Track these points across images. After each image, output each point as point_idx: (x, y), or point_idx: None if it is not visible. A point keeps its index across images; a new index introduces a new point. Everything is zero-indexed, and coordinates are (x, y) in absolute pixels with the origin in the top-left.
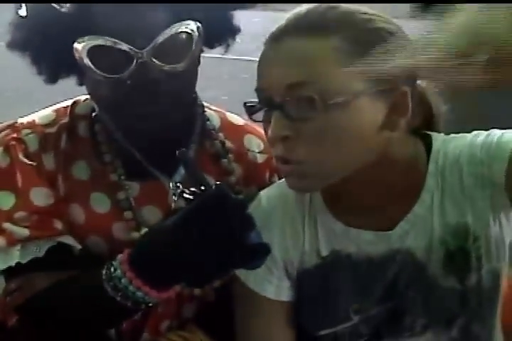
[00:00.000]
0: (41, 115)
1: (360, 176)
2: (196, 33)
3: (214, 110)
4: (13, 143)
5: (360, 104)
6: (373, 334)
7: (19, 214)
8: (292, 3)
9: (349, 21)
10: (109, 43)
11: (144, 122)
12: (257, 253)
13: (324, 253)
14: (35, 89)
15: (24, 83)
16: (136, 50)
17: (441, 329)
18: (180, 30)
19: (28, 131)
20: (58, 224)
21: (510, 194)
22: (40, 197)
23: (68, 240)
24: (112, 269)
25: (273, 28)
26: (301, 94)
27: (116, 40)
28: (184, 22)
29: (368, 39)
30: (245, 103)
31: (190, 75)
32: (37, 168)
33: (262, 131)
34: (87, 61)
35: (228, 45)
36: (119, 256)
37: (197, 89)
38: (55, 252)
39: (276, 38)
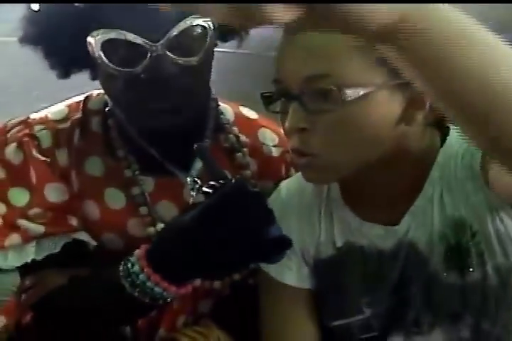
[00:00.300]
0: (54, 110)
1: (373, 167)
2: (211, 26)
3: (228, 104)
4: (26, 139)
5: (379, 98)
6: (382, 329)
7: (34, 211)
8: (292, 3)
9: None
10: (122, 37)
11: (157, 117)
12: (279, 247)
13: (339, 244)
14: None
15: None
16: (151, 43)
17: (449, 328)
18: (195, 22)
19: (40, 126)
20: (73, 221)
21: (487, 184)
22: (55, 193)
23: (83, 236)
24: (130, 265)
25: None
26: (319, 86)
27: (130, 34)
28: (196, 15)
29: None
30: (262, 93)
31: (205, 69)
32: (51, 164)
33: (276, 125)
34: (100, 55)
35: (242, 39)
36: (137, 252)
37: None
38: (70, 248)
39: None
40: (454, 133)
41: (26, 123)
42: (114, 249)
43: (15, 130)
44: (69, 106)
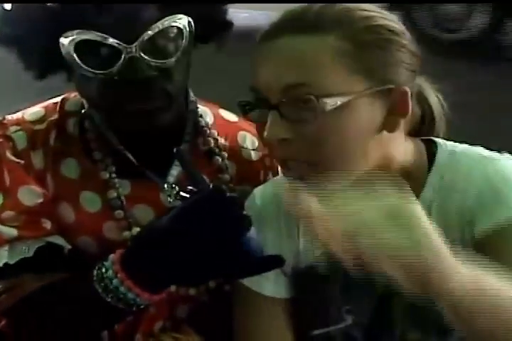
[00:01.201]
0: (30, 112)
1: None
2: (187, 28)
3: (207, 106)
4: (1, 140)
5: (359, 105)
6: (366, 340)
7: (7, 214)
8: (292, 3)
9: (347, 19)
10: (96, 38)
11: (132, 119)
12: (270, 266)
13: (318, 253)
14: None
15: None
16: (125, 45)
17: None
18: (170, 24)
19: (16, 127)
20: (47, 224)
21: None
22: (29, 196)
23: (58, 240)
24: (104, 269)
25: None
26: (298, 95)
27: (104, 35)
28: (174, 16)
29: (367, 37)
30: (239, 101)
31: (181, 72)
32: (25, 166)
33: None
34: (73, 56)
35: (222, 41)
36: (111, 256)
37: None
38: (44, 252)
39: (272, 36)
40: (444, 152)
41: (1, 124)
42: (89, 252)
43: None
44: (45, 107)
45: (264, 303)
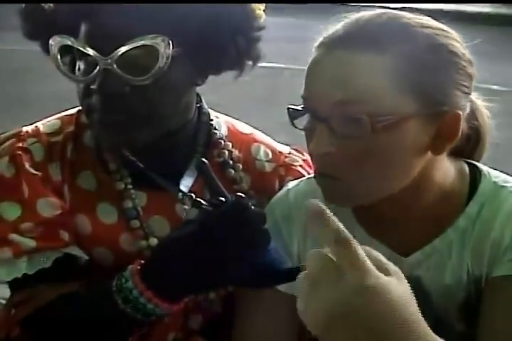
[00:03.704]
0: (46, 124)
1: (394, 197)
2: (162, 49)
3: (221, 119)
4: (19, 152)
5: (409, 126)
6: None
7: (25, 225)
8: (292, 3)
9: (407, 36)
10: (76, 45)
11: (105, 131)
12: (291, 277)
13: None
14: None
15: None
16: (100, 56)
17: None
18: (143, 43)
19: (33, 139)
20: (65, 235)
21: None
22: (47, 207)
23: (75, 251)
24: (123, 280)
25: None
26: (349, 112)
27: (84, 43)
28: (150, 35)
29: (426, 58)
30: (289, 108)
31: (161, 92)
32: (43, 178)
33: (271, 140)
34: (58, 60)
35: (242, 71)
36: (130, 267)
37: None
38: (61, 263)
39: (330, 47)
40: (488, 182)
41: (19, 136)
42: (105, 263)
43: (7, 143)
44: (61, 119)
45: (279, 299)
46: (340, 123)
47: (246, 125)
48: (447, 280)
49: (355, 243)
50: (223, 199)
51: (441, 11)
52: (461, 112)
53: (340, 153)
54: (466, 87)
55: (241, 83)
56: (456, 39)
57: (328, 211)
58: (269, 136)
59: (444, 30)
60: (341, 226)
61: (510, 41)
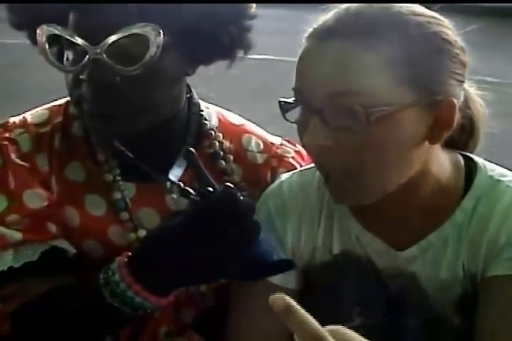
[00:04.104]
0: (34, 114)
1: (394, 191)
2: (153, 38)
3: (212, 109)
4: (6, 143)
5: (405, 116)
6: None
7: (12, 217)
8: (292, 3)
9: (401, 25)
10: (64, 34)
11: (93, 121)
12: (281, 269)
13: (336, 250)
14: None
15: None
16: (90, 46)
17: None
18: (134, 31)
19: (20, 130)
20: (52, 228)
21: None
22: (34, 199)
23: (63, 244)
24: (110, 273)
25: (259, 24)
26: (344, 103)
27: (73, 32)
28: (140, 24)
29: (420, 46)
30: (280, 101)
31: (152, 81)
32: (30, 169)
33: (262, 131)
34: (45, 48)
35: (232, 60)
36: (118, 259)
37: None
38: (49, 256)
39: (323, 37)
40: (483, 175)
41: (5, 127)
42: (94, 256)
43: None
44: (50, 109)
45: (271, 291)
46: (334, 115)
47: (237, 116)
48: (443, 276)
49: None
50: (211, 189)
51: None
52: (455, 100)
53: (337, 146)
54: (459, 74)
55: (232, 75)
56: (447, 26)
57: (295, 305)
58: (261, 127)
59: (436, 18)
60: (313, 321)
61: (504, 32)
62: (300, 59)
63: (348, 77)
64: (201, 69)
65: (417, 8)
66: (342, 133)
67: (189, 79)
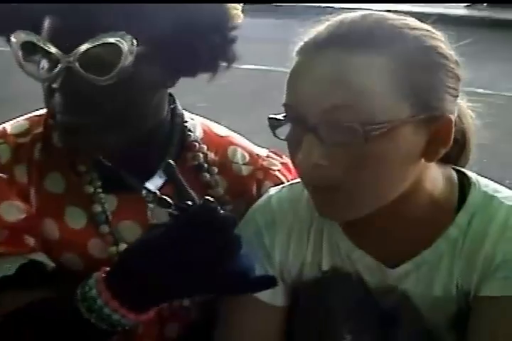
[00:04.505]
0: (14, 124)
1: (383, 207)
2: (126, 47)
3: (197, 120)
4: None
5: (403, 133)
6: None
7: None
8: (292, 3)
9: (397, 39)
10: (38, 42)
11: (63, 133)
12: (264, 286)
13: (325, 267)
14: None
15: None
16: (61, 54)
17: None
18: (106, 40)
19: None
20: (30, 241)
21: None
22: (11, 211)
23: (41, 257)
24: (87, 288)
25: (249, 33)
26: (340, 119)
27: (45, 40)
28: (114, 33)
29: (416, 60)
30: (270, 118)
31: (125, 91)
32: (8, 181)
33: (248, 142)
34: (19, 57)
35: (215, 73)
36: (95, 275)
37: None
38: (26, 270)
39: (317, 49)
40: (478, 191)
41: None
42: (74, 270)
43: None
44: (30, 120)
45: (259, 308)
46: (329, 132)
47: (223, 127)
48: (436, 293)
49: None
50: (190, 203)
51: (422, 13)
52: (452, 116)
53: (333, 164)
54: (454, 89)
55: (223, 85)
56: (442, 40)
57: None
58: (251, 137)
59: (431, 31)
60: None
61: (495, 43)
62: (292, 73)
63: (345, 91)
64: (190, 79)
65: (411, 21)
66: (338, 150)
67: (178, 89)
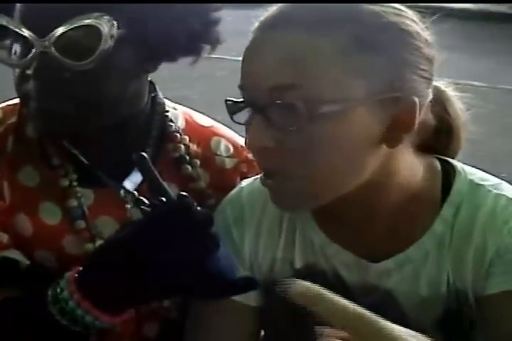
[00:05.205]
0: None
1: (353, 197)
2: (106, 30)
3: (179, 110)
4: None
5: (356, 115)
6: None
7: None
8: (291, 3)
9: (353, 13)
10: (10, 25)
11: (38, 119)
12: (242, 289)
13: (298, 265)
14: None
15: None
16: (36, 38)
17: None
18: (85, 22)
19: None
20: (3, 237)
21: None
22: None
23: (14, 254)
24: (58, 290)
25: (247, 26)
26: (286, 99)
27: (18, 23)
28: (92, 14)
29: (373, 36)
30: (227, 100)
31: (104, 77)
32: None
33: (233, 133)
34: None
35: (198, 56)
36: (67, 275)
37: (166, 87)
38: None
39: (265, 29)
40: (462, 180)
41: None
42: (48, 268)
43: None
44: (3, 109)
45: (230, 307)
46: (277, 112)
47: (206, 117)
48: (423, 292)
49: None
50: (164, 199)
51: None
52: (417, 99)
53: (281, 148)
54: (423, 70)
55: (217, 77)
56: (410, 18)
57: (316, 288)
58: (242, 131)
59: (396, 8)
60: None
61: (492, 36)
62: (244, 54)
63: (290, 69)
64: (184, 71)
65: None
66: (287, 132)
67: (172, 81)
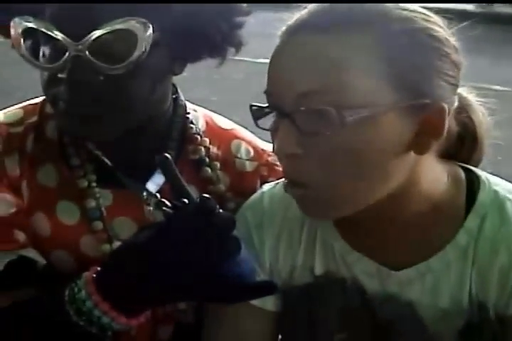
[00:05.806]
0: (7, 113)
1: (376, 205)
2: (142, 34)
3: (200, 112)
4: None
5: (385, 121)
6: None
7: None
8: (292, 3)
9: (383, 18)
10: (43, 28)
11: (71, 122)
12: (262, 292)
13: (318, 272)
14: None
15: None
16: (71, 41)
17: None
18: (120, 27)
19: None
20: (20, 236)
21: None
22: (1, 205)
23: (31, 254)
24: (76, 290)
25: (266, 28)
26: (315, 104)
27: (52, 26)
28: (128, 18)
29: (403, 42)
30: (251, 105)
31: (136, 80)
32: None
33: (253, 137)
34: (20, 44)
35: (222, 58)
36: (85, 275)
37: (185, 89)
38: (15, 267)
39: (293, 34)
40: (488, 190)
41: None
42: (65, 268)
43: None
44: (24, 108)
45: (248, 311)
46: (306, 118)
47: (227, 120)
48: (444, 304)
49: None
50: (186, 200)
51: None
52: (446, 105)
53: (309, 155)
54: (451, 76)
55: (236, 79)
56: (437, 24)
57: None
58: (262, 133)
59: (424, 14)
60: None
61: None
62: (271, 58)
63: (319, 75)
64: (204, 73)
65: (404, 4)
66: (315, 139)
67: (192, 82)
